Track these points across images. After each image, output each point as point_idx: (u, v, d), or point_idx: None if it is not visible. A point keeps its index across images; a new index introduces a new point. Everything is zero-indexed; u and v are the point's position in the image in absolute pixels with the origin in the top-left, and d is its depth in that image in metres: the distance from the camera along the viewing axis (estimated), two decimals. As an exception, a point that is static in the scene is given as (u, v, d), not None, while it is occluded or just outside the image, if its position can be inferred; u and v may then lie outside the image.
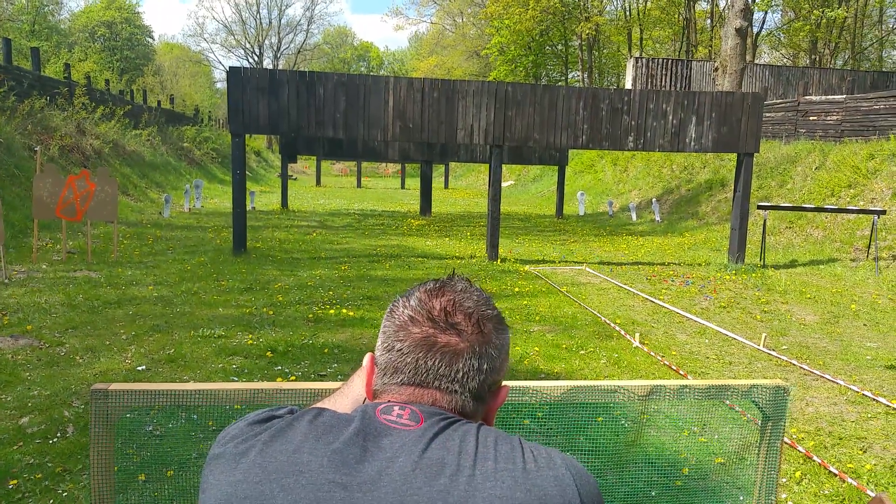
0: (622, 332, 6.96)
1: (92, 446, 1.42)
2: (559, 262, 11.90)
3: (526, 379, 3.51)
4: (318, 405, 1.16)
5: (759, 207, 11.92)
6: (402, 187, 40.16)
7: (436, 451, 0.92)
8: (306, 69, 47.79)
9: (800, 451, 4.04)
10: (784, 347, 6.68)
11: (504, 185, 33.90)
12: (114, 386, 1.46)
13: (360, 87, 11.00)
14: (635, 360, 5.99)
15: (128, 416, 3.29)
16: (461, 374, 1.00)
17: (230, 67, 10.92)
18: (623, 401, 1.65)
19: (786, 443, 4.15)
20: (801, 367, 5.92)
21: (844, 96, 17.19)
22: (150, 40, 58.74)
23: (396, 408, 0.98)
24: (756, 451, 1.84)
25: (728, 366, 6.03)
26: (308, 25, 63.47)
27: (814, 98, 18.13)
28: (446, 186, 40.62)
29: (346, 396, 1.21)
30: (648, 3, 37.92)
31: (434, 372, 1.00)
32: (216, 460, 0.97)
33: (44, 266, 9.23)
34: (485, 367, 1.02)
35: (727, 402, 4.64)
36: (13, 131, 14.11)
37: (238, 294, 8.18)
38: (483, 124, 11.28)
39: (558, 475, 0.93)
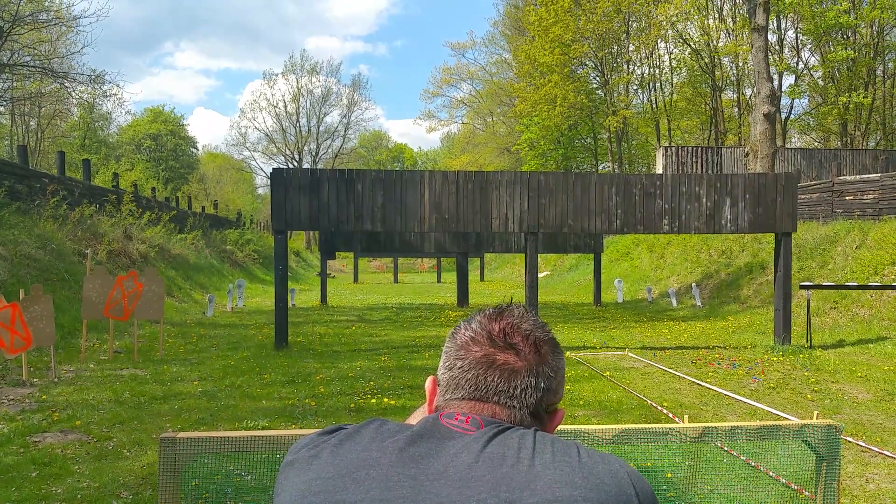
0: (670, 415, 6.80)
1: (160, 493, 1.45)
2: (600, 348, 11.76)
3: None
4: None
5: (802, 287, 11.74)
6: (439, 281, 40.39)
7: (496, 447, 0.96)
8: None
9: (866, 529, 3.86)
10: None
11: (540, 275, 33.90)
12: (181, 434, 1.51)
13: (396, 181, 11.33)
14: (685, 443, 5.82)
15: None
16: (519, 390, 1.04)
17: (273, 169, 11.36)
18: (675, 444, 1.63)
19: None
20: (857, 444, 5.70)
21: (880, 174, 17.14)
22: (194, 150, 61.43)
23: (458, 415, 1.03)
24: (813, 494, 1.79)
25: (782, 444, 5.83)
26: (345, 131, 65.85)
27: (849, 178, 18.09)
28: (482, 279, 40.76)
29: (411, 419, 1.26)
30: (674, 96, 38.69)
31: (493, 388, 1.04)
32: (289, 467, 1.03)
33: (91, 365, 9.42)
34: (542, 385, 1.06)
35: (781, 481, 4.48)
36: (64, 238, 14.71)
37: (280, 387, 8.22)
38: (517, 213, 11.46)
39: (613, 469, 0.96)
